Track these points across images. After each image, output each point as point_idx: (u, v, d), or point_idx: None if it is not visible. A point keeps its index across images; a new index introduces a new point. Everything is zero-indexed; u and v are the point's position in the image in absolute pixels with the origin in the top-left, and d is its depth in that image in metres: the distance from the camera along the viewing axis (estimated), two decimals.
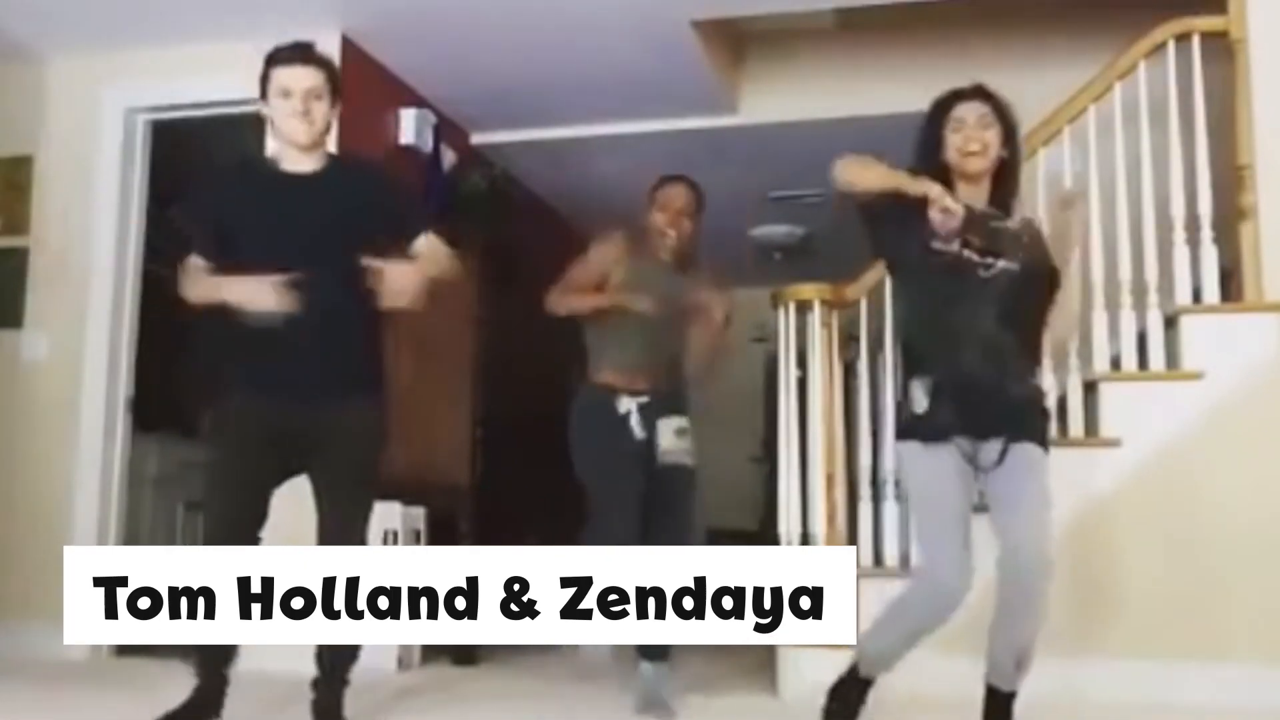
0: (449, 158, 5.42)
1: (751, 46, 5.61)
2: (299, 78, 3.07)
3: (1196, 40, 4.03)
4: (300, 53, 3.13)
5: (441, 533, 4.67)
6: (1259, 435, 3.80)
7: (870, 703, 2.96)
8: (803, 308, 4.12)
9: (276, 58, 3.12)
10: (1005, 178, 2.88)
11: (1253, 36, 4.04)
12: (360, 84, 4.95)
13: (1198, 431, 3.83)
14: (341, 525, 3.03)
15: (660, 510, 3.44)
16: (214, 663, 3.05)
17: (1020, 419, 2.83)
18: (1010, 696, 2.83)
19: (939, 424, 2.79)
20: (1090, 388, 4.01)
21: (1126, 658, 3.74)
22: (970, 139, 2.81)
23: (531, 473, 5.15)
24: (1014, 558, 2.73)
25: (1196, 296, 3.98)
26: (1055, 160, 4.13)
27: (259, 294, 2.91)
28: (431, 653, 4.59)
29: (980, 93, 2.88)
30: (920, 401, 2.82)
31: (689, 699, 3.72)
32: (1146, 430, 3.87)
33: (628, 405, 3.48)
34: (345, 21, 4.76)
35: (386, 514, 4.45)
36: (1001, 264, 2.78)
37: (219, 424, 3.14)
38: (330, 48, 4.79)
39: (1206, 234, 3.98)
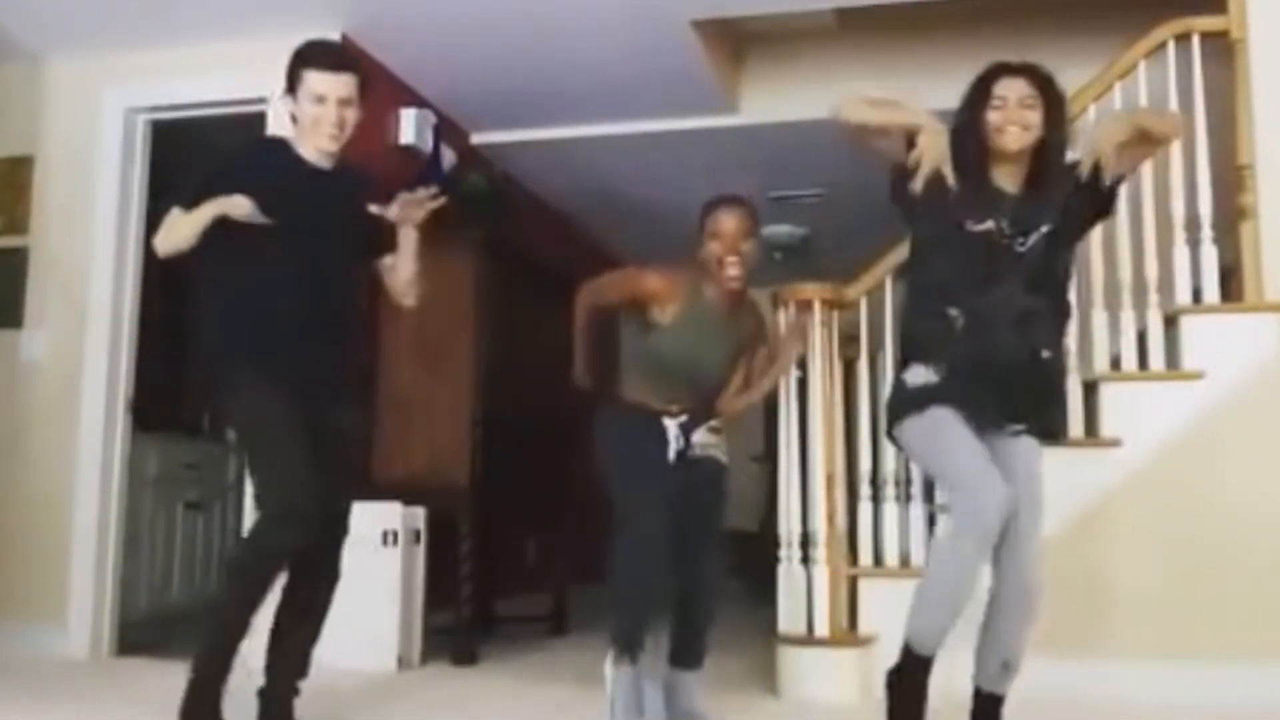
0: (449, 158, 5.42)
1: (751, 46, 5.61)
2: (335, 86, 3.06)
3: (1196, 40, 4.03)
4: (336, 58, 3.13)
5: (441, 533, 4.66)
6: (1259, 435, 3.80)
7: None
8: (803, 308, 4.12)
9: (312, 59, 3.09)
10: (1044, 156, 2.80)
11: (1253, 36, 4.04)
12: (360, 83, 4.95)
13: (1198, 431, 3.83)
14: (330, 498, 3.00)
15: (689, 505, 3.33)
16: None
17: (1046, 402, 2.85)
18: (997, 700, 2.80)
19: (951, 395, 2.75)
20: (1090, 388, 4.00)
21: (1126, 657, 3.74)
22: (1010, 118, 2.75)
23: (532, 473, 5.14)
24: (1010, 568, 2.72)
25: (1196, 296, 3.98)
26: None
27: (237, 205, 2.91)
28: (431, 653, 4.59)
29: (1027, 70, 2.81)
30: (925, 376, 2.79)
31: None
32: (1146, 430, 3.87)
33: (672, 428, 3.35)
34: (345, 21, 4.76)
35: (386, 514, 4.46)
36: (1034, 237, 2.76)
37: (239, 397, 3.00)
38: None
39: (1206, 234, 3.98)
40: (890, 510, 4.04)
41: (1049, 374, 2.86)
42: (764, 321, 3.53)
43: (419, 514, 4.59)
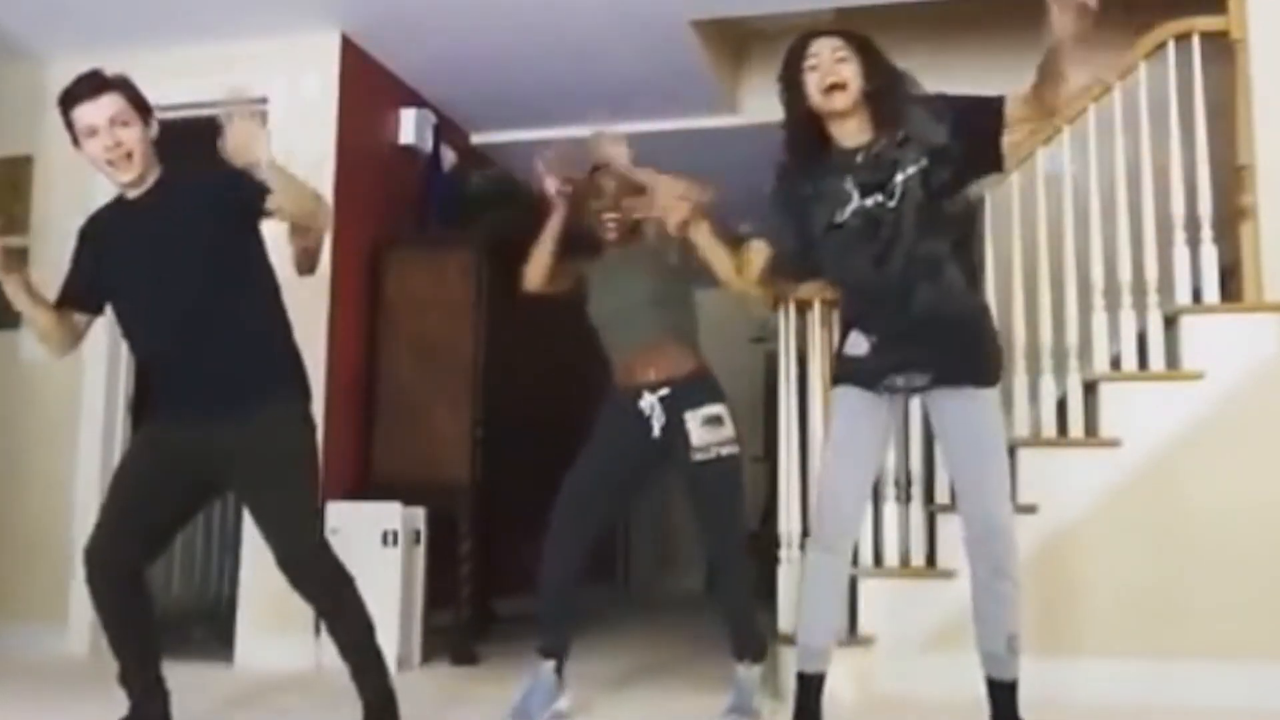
0: (449, 158, 5.43)
1: (751, 46, 5.61)
2: (100, 110, 2.89)
3: (1196, 40, 4.03)
4: (91, 83, 2.92)
5: (441, 533, 4.66)
6: (1259, 435, 3.80)
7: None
8: (803, 308, 4.12)
9: (69, 99, 2.92)
10: (882, 106, 2.78)
11: (1253, 36, 4.04)
12: (360, 84, 4.96)
13: (1198, 431, 3.83)
14: (276, 532, 2.88)
15: (704, 509, 3.38)
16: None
17: (957, 350, 2.77)
18: (1012, 686, 2.78)
19: (869, 368, 2.80)
20: (1090, 388, 4.01)
21: (1126, 657, 3.74)
22: (826, 73, 2.76)
23: (532, 473, 5.14)
24: (975, 526, 2.73)
25: (1196, 296, 3.98)
26: (1055, 160, 4.14)
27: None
28: (431, 653, 4.59)
29: (835, 30, 2.84)
30: (858, 346, 2.83)
31: (690, 699, 3.73)
32: (1146, 430, 3.87)
33: (648, 401, 3.37)
34: (345, 21, 4.76)
35: (386, 514, 4.46)
36: (900, 178, 2.73)
37: (130, 450, 3.12)
38: (330, 48, 4.81)
39: (1206, 234, 3.98)
40: (890, 510, 4.04)
41: (964, 319, 2.81)
42: (667, 236, 3.34)
43: (419, 514, 4.59)
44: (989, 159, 2.80)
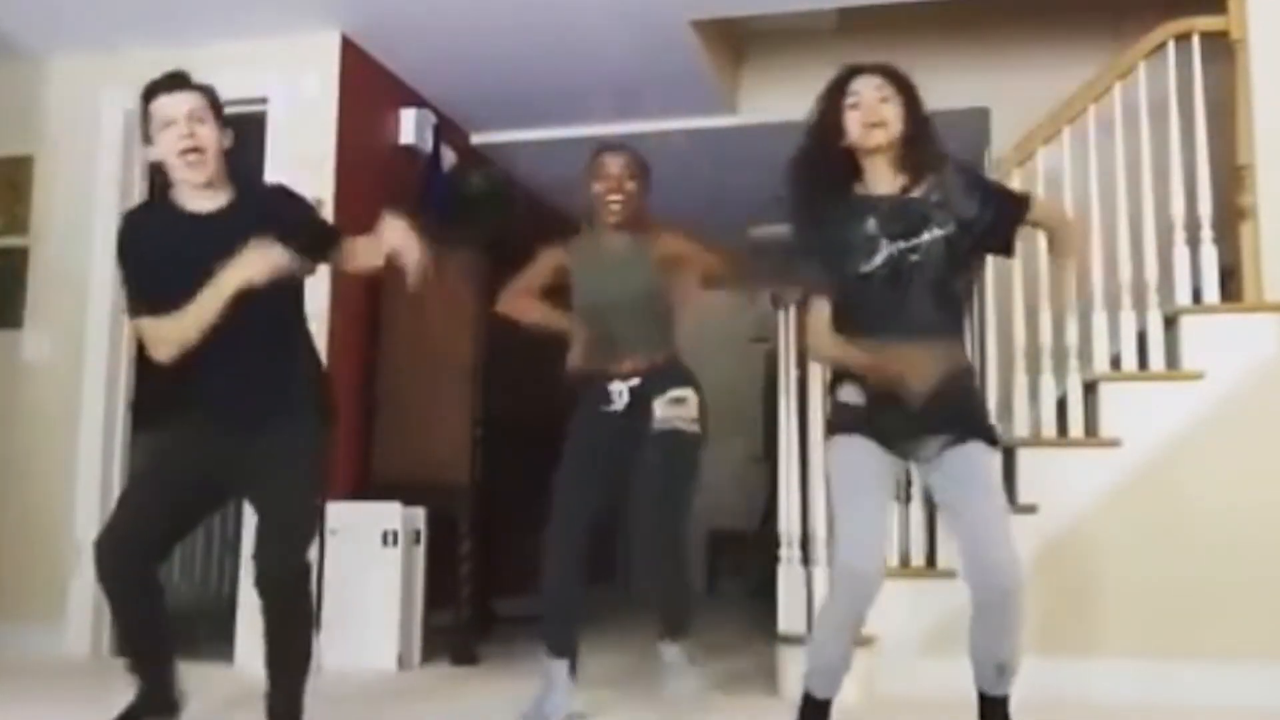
0: (449, 158, 5.43)
1: (751, 46, 5.61)
2: (179, 103, 2.90)
3: (1196, 40, 4.03)
4: (175, 80, 2.96)
5: (441, 533, 4.66)
6: (1259, 435, 3.80)
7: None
8: (803, 308, 4.11)
9: (151, 92, 2.94)
10: (915, 151, 2.76)
11: (1253, 36, 4.04)
12: (360, 84, 4.96)
13: (1198, 431, 3.83)
14: (275, 530, 2.89)
15: (653, 478, 3.30)
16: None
17: (965, 414, 2.76)
18: (1001, 701, 2.76)
19: (878, 425, 2.73)
20: (1090, 388, 4.01)
21: (1126, 657, 3.74)
22: (869, 112, 2.73)
23: (531, 472, 5.14)
24: (980, 573, 2.63)
25: (1196, 296, 3.98)
26: (1055, 160, 4.14)
27: (249, 265, 2.78)
28: (431, 653, 4.59)
29: (878, 68, 2.80)
30: (854, 396, 2.78)
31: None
32: (1146, 430, 3.87)
33: (618, 387, 3.41)
34: (345, 21, 4.76)
35: (387, 514, 4.46)
36: (928, 236, 2.71)
37: (150, 450, 3.06)
38: (330, 48, 4.81)
39: (1206, 234, 3.98)
40: (890, 510, 4.03)
41: (967, 384, 2.83)
42: (670, 243, 3.49)
43: (419, 514, 4.59)
44: (1005, 242, 2.85)
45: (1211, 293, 3.97)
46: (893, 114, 2.73)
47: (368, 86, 5.03)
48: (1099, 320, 4.02)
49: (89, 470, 4.78)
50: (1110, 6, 4.78)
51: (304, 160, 4.64)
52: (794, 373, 4.09)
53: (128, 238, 2.97)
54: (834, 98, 2.80)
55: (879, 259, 2.72)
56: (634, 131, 5.79)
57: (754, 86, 5.63)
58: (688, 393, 3.41)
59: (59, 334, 4.90)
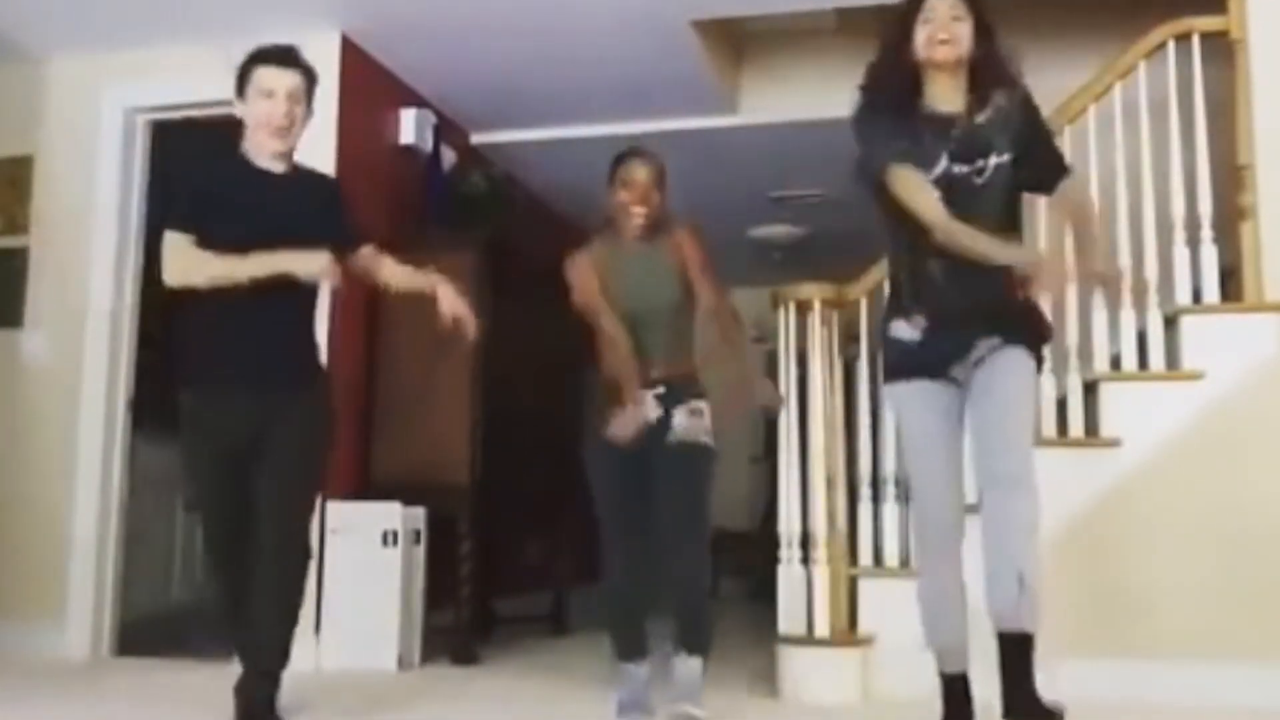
0: (449, 158, 5.43)
1: (751, 46, 5.61)
2: (283, 79, 3.13)
3: (1196, 40, 4.03)
4: (286, 56, 3.17)
5: (441, 533, 4.67)
6: (1259, 435, 3.80)
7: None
8: (803, 308, 4.12)
9: (261, 57, 3.16)
10: (982, 73, 2.80)
11: (1253, 36, 4.04)
12: (360, 84, 4.96)
13: (1198, 431, 3.83)
14: (279, 505, 3.08)
15: (673, 489, 3.34)
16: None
17: (1016, 321, 2.82)
18: (1024, 639, 2.61)
19: (932, 358, 2.78)
20: (1090, 388, 4.01)
21: (1126, 657, 3.74)
22: (940, 28, 2.76)
23: (532, 473, 5.14)
24: (986, 470, 2.70)
25: (1196, 296, 3.98)
26: None
27: (312, 263, 3.02)
28: (431, 653, 4.60)
29: None
30: (907, 332, 2.81)
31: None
32: (1146, 430, 3.87)
33: (643, 396, 3.37)
34: (345, 21, 4.76)
35: (386, 514, 4.46)
36: (994, 161, 2.76)
37: (191, 421, 3.16)
38: (330, 48, 4.81)
39: (1206, 234, 3.98)
40: (890, 510, 4.04)
41: (1024, 305, 2.87)
42: (683, 242, 3.49)
43: (419, 514, 4.60)
44: (1050, 178, 2.93)
45: (1211, 292, 3.96)
46: (964, 32, 2.78)
47: (368, 86, 5.03)
48: (1099, 320, 4.02)
49: (89, 470, 4.78)
50: (1110, 6, 4.78)
51: (304, 160, 4.62)
52: (794, 373, 4.09)
53: (202, 168, 3.23)
54: (910, 13, 2.82)
55: (935, 173, 2.75)
56: (634, 132, 5.81)
57: (754, 86, 5.63)
58: (704, 405, 3.44)
59: (59, 334, 4.90)
